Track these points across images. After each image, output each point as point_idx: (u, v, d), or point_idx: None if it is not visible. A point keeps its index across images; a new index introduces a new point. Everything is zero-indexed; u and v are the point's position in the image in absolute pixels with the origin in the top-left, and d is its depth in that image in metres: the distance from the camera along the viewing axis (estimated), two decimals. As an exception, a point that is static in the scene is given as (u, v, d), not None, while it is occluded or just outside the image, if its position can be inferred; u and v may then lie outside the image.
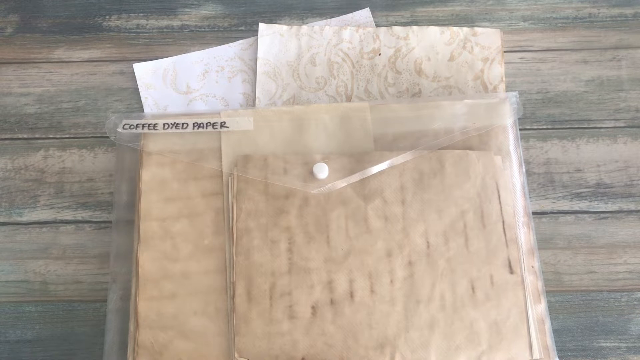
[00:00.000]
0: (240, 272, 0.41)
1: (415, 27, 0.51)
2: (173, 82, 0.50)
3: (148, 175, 0.44)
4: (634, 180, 0.46)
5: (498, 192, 0.42)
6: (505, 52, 0.50)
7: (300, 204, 0.42)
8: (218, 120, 0.45)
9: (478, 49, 0.50)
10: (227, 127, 0.45)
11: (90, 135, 0.49)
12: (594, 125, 0.48)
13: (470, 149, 0.44)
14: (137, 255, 0.42)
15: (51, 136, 0.49)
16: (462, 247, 0.41)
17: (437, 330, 0.39)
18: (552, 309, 0.43)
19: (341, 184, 0.42)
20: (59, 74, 0.51)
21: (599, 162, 0.47)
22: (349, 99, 0.49)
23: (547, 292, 0.43)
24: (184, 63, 0.51)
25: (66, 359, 0.43)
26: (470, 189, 0.42)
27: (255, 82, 0.49)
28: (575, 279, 0.44)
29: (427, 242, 0.41)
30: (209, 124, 0.45)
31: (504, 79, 0.49)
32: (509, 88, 0.49)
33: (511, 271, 0.40)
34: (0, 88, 0.50)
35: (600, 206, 0.46)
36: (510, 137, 0.44)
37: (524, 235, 0.42)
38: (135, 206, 0.44)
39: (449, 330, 0.39)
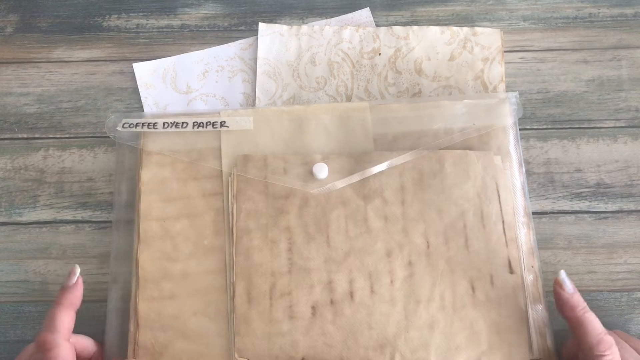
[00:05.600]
0: (240, 272, 0.41)
1: (415, 27, 0.51)
2: (173, 82, 0.50)
3: (148, 175, 0.44)
4: (634, 180, 0.46)
5: (498, 192, 0.42)
6: (505, 52, 0.50)
7: (300, 204, 0.42)
8: (218, 119, 0.45)
9: (478, 49, 0.50)
10: (227, 127, 0.45)
11: (90, 135, 0.49)
12: (594, 125, 0.48)
13: (470, 149, 0.44)
14: (137, 256, 0.42)
15: (51, 136, 0.49)
16: (462, 247, 0.41)
17: (437, 330, 0.39)
18: (552, 309, 0.43)
19: (341, 184, 0.42)
20: (59, 73, 0.51)
21: (599, 162, 0.47)
22: (349, 98, 0.49)
23: (547, 292, 0.43)
24: (184, 63, 0.51)
25: (66, 359, 0.43)
26: (470, 189, 0.42)
27: (255, 82, 0.49)
28: (575, 279, 0.44)
29: (427, 242, 0.41)
30: (208, 123, 0.45)
31: (504, 78, 0.49)
32: (509, 88, 0.49)
33: (511, 271, 0.41)
34: (0, 88, 0.50)
35: (600, 206, 0.46)
36: (510, 137, 0.44)
37: (524, 235, 0.42)
38: (135, 206, 0.44)
39: (448, 331, 0.39)
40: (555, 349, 0.40)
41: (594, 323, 0.36)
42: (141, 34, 0.52)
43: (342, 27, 0.51)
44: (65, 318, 0.37)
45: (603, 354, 0.35)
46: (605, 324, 0.42)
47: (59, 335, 0.36)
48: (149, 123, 0.45)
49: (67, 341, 0.36)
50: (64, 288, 0.38)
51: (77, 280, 0.38)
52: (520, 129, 0.47)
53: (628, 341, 0.38)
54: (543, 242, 0.45)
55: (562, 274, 0.38)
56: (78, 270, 0.39)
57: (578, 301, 0.37)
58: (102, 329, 0.42)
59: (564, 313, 0.38)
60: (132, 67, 0.50)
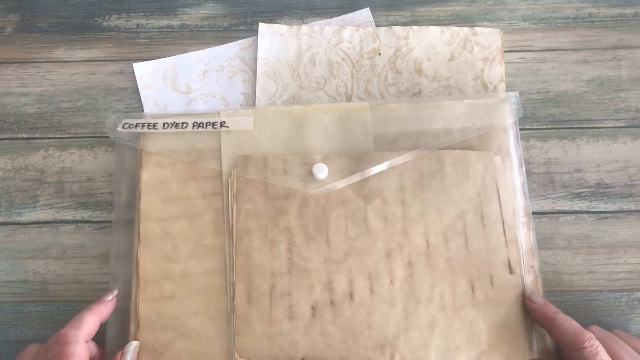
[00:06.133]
0: (240, 272, 0.41)
1: (415, 27, 0.51)
2: (173, 82, 0.50)
3: (148, 175, 0.44)
4: (634, 180, 0.46)
5: (498, 192, 0.42)
6: (505, 52, 0.50)
7: (300, 204, 0.42)
8: (218, 120, 0.45)
9: (478, 49, 0.50)
10: (227, 127, 0.45)
11: (90, 135, 0.49)
12: (594, 125, 0.48)
13: (470, 149, 0.44)
14: (137, 256, 0.42)
15: (51, 136, 0.49)
16: (461, 247, 0.41)
17: (437, 330, 0.39)
18: (551, 309, 0.43)
19: (341, 184, 0.42)
20: (59, 73, 0.51)
21: (599, 162, 0.47)
22: (349, 98, 0.49)
23: (547, 292, 0.43)
24: (184, 63, 0.51)
25: None
26: (470, 189, 0.42)
27: (255, 82, 0.49)
28: (575, 279, 0.44)
29: (427, 243, 0.41)
30: (208, 123, 0.45)
31: (504, 78, 0.49)
32: (509, 88, 0.49)
33: (511, 271, 0.41)
34: (0, 88, 0.50)
35: (600, 206, 0.46)
36: (510, 137, 0.44)
37: (524, 235, 0.42)
38: (135, 206, 0.44)
39: (448, 331, 0.39)
40: (555, 349, 0.40)
41: (567, 322, 0.37)
42: (141, 34, 0.52)
43: (342, 27, 0.51)
44: (92, 321, 0.39)
45: (582, 346, 0.35)
46: (605, 324, 0.42)
47: (81, 333, 0.37)
48: (149, 123, 0.45)
49: (86, 342, 0.37)
50: (99, 300, 0.41)
51: (112, 299, 0.41)
52: (520, 129, 0.47)
53: (628, 341, 0.38)
54: (543, 242, 0.45)
55: (528, 290, 0.40)
56: (116, 292, 0.42)
57: (549, 309, 0.38)
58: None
59: (539, 322, 0.39)
60: (132, 67, 0.50)
